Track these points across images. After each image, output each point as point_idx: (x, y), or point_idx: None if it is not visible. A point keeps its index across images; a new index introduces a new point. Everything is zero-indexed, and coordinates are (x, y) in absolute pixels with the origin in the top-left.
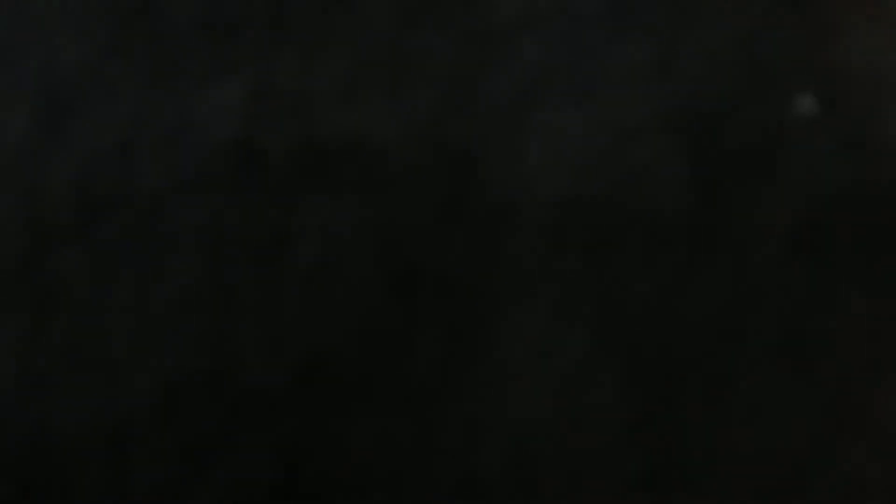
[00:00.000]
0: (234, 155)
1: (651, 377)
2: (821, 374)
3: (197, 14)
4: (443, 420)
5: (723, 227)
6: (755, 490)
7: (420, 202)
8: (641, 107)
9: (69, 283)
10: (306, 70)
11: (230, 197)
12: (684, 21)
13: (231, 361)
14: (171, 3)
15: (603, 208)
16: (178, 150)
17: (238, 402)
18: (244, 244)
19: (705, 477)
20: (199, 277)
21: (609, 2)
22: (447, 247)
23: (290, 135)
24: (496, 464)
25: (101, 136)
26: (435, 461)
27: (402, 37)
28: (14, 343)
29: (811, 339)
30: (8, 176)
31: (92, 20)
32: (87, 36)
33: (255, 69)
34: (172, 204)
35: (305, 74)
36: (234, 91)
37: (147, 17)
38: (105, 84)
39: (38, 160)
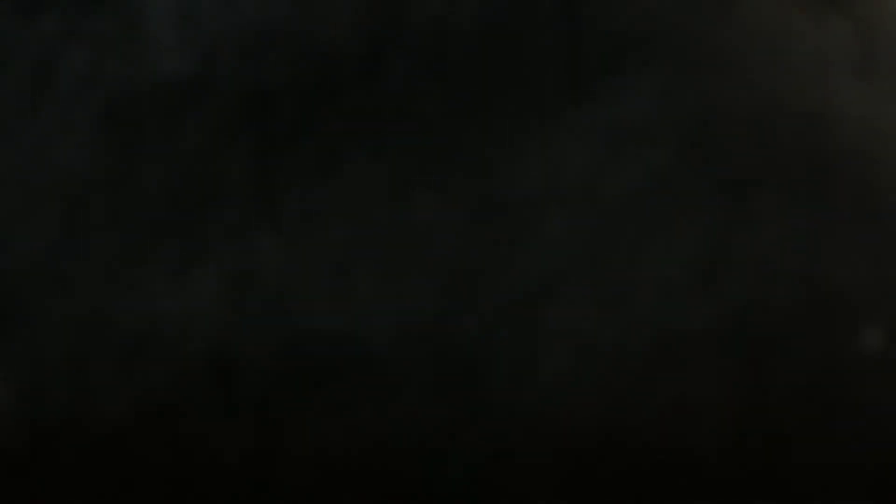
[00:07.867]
0: (206, 373)
1: None
2: None
3: (164, 187)
4: None
5: (776, 477)
6: None
7: (414, 427)
8: (681, 318)
9: None
10: (291, 256)
11: (200, 428)
12: (737, 216)
13: None
14: (133, 174)
15: (632, 444)
16: (140, 368)
17: None
18: (216, 487)
19: None
20: None
21: (650, 182)
22: (442, 483)
23: (270, 342)
24: None
25: (49, 350)
26: None
27: (401, 213)
28: None
29: None
30: None
31: (40, 199)
32: (33, 219)
33: (232, 255)
34: (132, 437)
35: (290, 261)
36: (207, 287)
37: (105, 192)
38: (54, 280)
39: None
